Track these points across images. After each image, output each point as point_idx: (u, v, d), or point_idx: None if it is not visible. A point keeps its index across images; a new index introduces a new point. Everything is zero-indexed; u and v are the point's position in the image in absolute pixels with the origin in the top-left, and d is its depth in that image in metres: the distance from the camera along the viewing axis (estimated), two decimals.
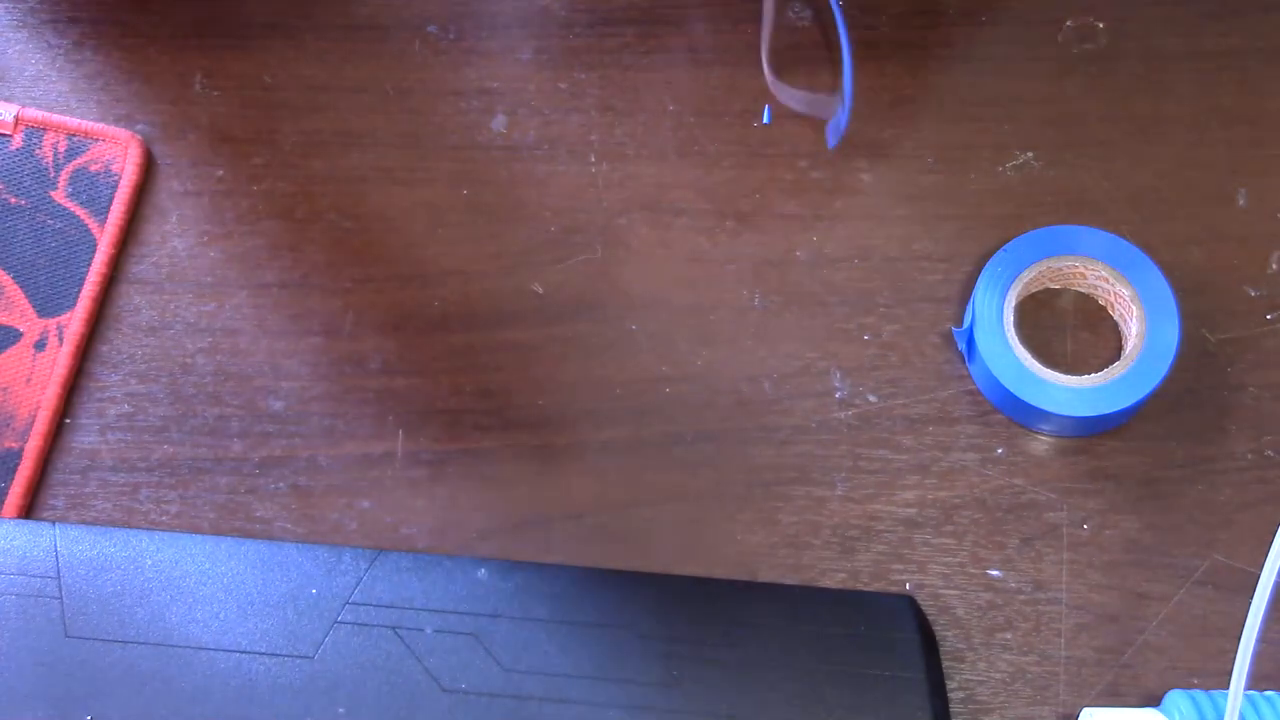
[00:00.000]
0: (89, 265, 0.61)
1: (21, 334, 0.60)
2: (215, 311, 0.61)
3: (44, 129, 0.63)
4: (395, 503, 0.58)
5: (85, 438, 0.59)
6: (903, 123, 0.64)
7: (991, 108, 0.64)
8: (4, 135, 0.62)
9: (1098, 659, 0.55)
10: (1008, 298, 0.59)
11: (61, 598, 0.54)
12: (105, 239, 0.61)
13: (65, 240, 0.61)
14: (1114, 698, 0.55)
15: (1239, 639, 0.46)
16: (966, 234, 0.62)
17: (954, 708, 0.54)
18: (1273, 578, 0.45)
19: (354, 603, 0.54)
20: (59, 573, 0.54)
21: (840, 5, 0.56)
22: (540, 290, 0.61)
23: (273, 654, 0.53)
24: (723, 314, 0.61)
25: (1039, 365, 0.58)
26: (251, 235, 0.62)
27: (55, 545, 0.55)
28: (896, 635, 0.53)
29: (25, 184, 0.62)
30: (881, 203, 0.62)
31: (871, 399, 0.59)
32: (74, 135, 0.63)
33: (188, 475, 0.59)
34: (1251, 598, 0.45)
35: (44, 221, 0.62)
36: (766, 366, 0.60)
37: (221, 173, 0.62)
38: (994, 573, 0.57)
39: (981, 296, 0.59)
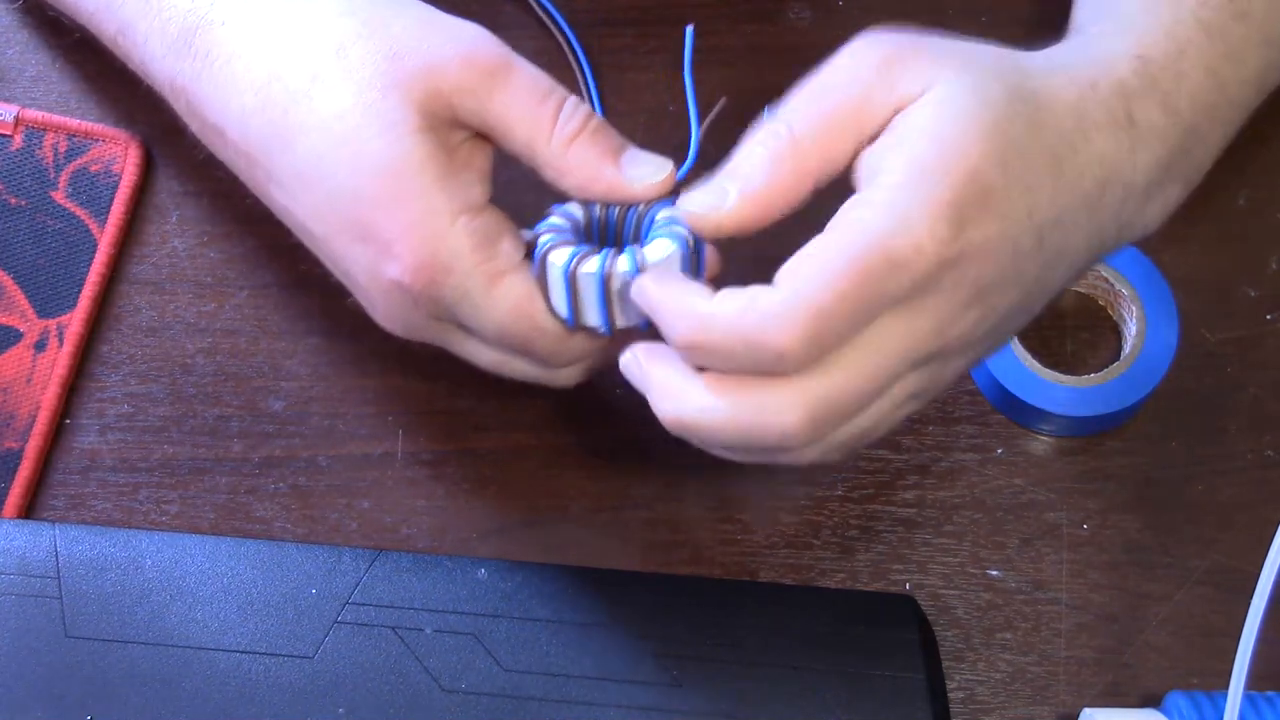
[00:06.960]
0: (89, 265, 0.61)
1: (21, 334, 0.60)
2: (215, 311, 0.61)
3: (44, 129, 0.63)
4: (395, 503, 0.58)
5: (85, 438, 0.59)
6: None
7: None
8: (4, 136, 0.62)
9: (1098, 659, 0.55)
10: None
11: (61, 598, 0.54)
12: (105, 239, 0.61)
13: (65, 240, 0.61)
14: (1114, 698, 0.55)
15: (1239, 639, 0.46)
16: None
17: (954, 708, 0.54)
18: (1273, 577, 0.45)
19: (354, 603, 0.54)
20: (59, 573, 0.54)
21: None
22: None
23: (273, 654, 0.53)
24: None
25: (1039, 365, 0.58)
26: (251, 235, 0.62)
27: (55, 545, 0.55)
28: (896, 635, 0.53)
29: (25, 184, 0.62)
30: None
31: None
32: (74, 136, 0.63)
33: (188, 475, 0.59)
34: (1251, 598, 0.45)
35: (44, 222, 0.62)
36: None
37: (221, 173, 0.62)
38: (994, 573, 0.57)
39: None
